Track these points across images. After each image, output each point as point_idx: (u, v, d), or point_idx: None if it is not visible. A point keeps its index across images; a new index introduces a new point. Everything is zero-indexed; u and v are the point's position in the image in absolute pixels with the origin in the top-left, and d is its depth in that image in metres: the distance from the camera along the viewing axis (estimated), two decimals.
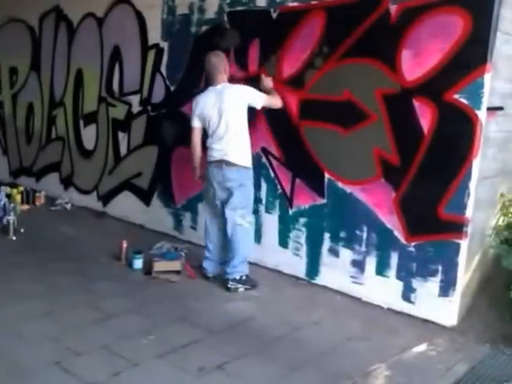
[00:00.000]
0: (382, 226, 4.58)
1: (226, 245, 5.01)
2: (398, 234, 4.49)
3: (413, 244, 4.43)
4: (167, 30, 6.14)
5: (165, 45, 6.18)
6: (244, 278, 4.90)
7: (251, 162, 4.88)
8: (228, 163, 4.76)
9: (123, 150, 6.83)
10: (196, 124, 4.96)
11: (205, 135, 5.00)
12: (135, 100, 6.58)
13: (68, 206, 7.41)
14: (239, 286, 4.87)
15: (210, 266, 5.11)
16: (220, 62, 4.87)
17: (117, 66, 6.80)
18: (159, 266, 5.10)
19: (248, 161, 4.85)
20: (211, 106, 4.80)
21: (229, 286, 4.87)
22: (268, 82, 5.06)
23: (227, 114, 4.74)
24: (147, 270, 5.14)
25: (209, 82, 5.00)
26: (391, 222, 4.53)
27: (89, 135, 7.31)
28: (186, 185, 5.94)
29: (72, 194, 7.63)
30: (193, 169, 5.12)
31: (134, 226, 6.59)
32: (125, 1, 6.59)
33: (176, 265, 5.14)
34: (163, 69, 6.21)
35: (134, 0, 6.48)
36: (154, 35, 6.26)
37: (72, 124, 7.56)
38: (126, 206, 6.85)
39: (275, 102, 4.96)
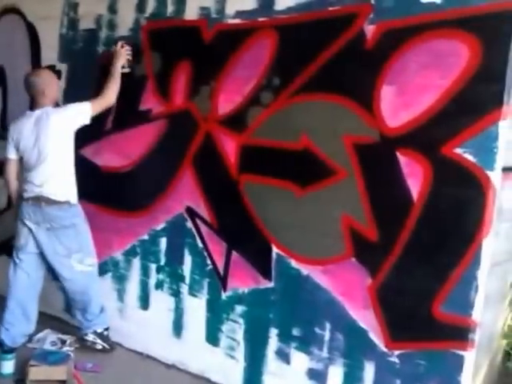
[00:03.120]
0: (352, 324, 3.90)
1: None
2: (376, 336, 3.80)
3: (396, 352, 3.72)
4: (66, 49, 5.53)
5: (63, 67, 5.56)
6: (106, 333, 4.91)
7: (77, 198, 4.79)
8: (48, 201, 4.65)
9: (3, 200, 6.12)
10: (12, 155, 4.89)
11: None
12: None
13: None
14: (99, 341, 4.87)
15: (9, 338, 4.70)
16: (41, 83, 4.79)
17: None
18: (36, 372, 4.36)
19: (74, 197, 4.77)
20: (28, 134, 4.71)
21: (86, 338, 4.86)
22: (122, 56, 4.86)
23: (46, 145, 4.65)
24: (20, 376, 4.40)
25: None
26: (365, 318, 3.84)
27: None
28: None
29: None
30: (12, 204, 5.10)
31: None
32: (12, 10, 5.97)
33: (60, 371, 4.38)
34: (60, 98, 5.47)
35: (25, 9, 5.85)
36: (50, 55, 5.64)
37: None
38: None
39: (107, 100, 4.83)
